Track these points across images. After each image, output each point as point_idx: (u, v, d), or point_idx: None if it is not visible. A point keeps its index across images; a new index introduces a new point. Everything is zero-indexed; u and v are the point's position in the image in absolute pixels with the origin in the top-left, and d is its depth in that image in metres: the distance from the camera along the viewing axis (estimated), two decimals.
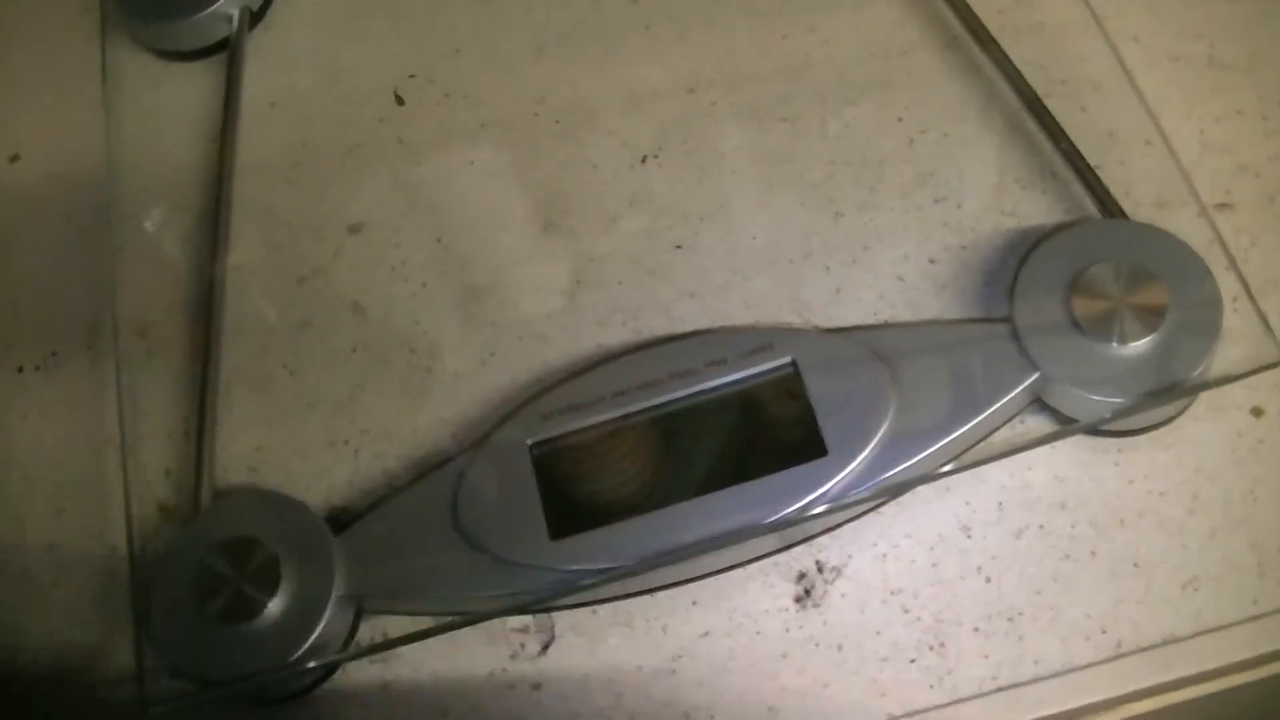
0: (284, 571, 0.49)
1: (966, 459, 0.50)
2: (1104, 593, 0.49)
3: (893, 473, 0.49)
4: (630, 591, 0.50)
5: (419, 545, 0.50)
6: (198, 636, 0.49)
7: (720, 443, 0.50)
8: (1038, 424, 0.52)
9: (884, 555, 0.50)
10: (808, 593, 0.50)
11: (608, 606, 0.50)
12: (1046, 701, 0.48)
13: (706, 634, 0.50)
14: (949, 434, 0.49)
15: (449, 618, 0.50)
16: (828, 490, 0.48)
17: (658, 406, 0.51)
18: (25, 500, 0.56)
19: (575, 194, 0.58)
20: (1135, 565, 0.49)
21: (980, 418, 0.49)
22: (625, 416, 0.51)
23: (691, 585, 0.50)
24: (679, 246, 0.56)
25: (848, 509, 0.49)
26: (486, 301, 0.56)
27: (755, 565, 0.50)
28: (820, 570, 0.50)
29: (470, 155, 0.60)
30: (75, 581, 0.54)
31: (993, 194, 0.56)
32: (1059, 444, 0.51)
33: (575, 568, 0.48)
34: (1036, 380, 0.49)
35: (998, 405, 0.49)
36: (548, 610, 0.50)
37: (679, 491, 0.49)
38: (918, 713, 0.48)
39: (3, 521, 0.56)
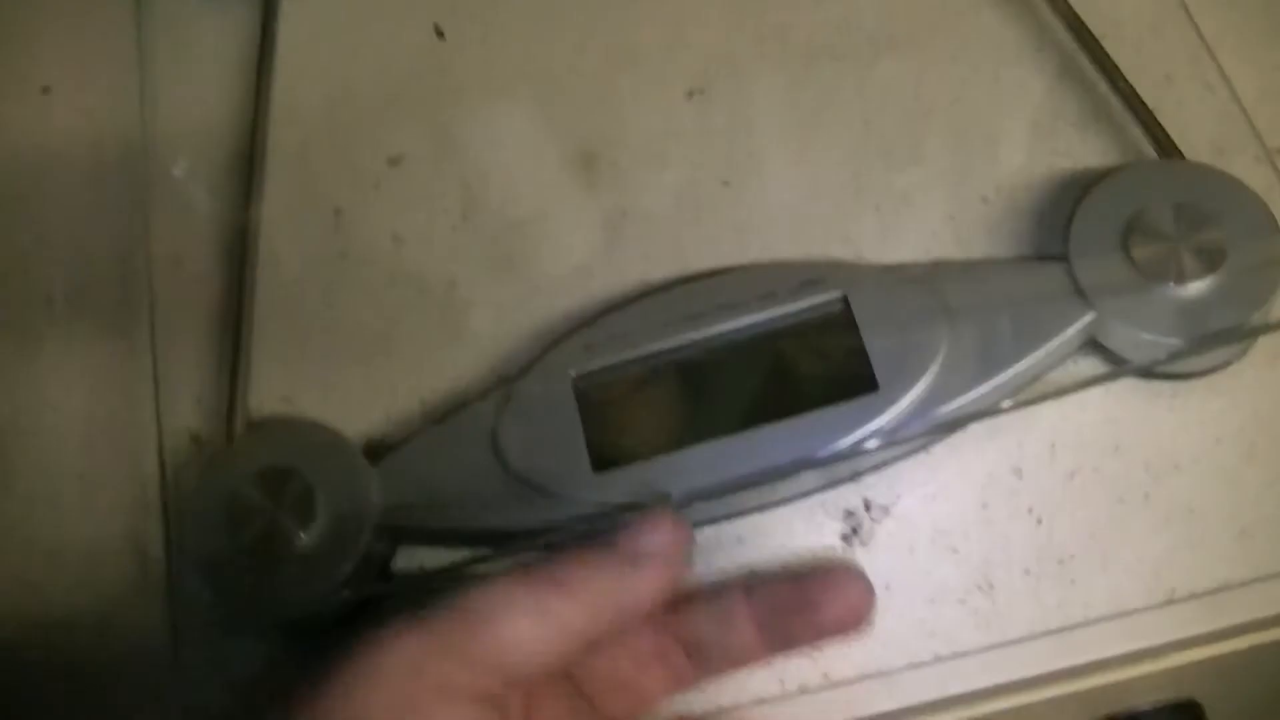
0: (320, 501, 0.48)
1: (1020, 398, 0.49)
2: (1157, 538, 0.48)
3: (944, 409, 0.48)
4: None
5: (458, 475, 0.49)
6: (231, 567, 0.48)
7: (768, 377, 0.49)
8: (1091, 366, 0.50)
9: (933, 495, 0.49)
10: (855, 531, 0.49)
11: None
12: (1096, 646, 0.47)
13: (753, 571, 0.49)
14: (1002, 372, 0.48)
15: (487, 549, 0.49)
16: (878, 426, 0.47)
17: (705, 339, 0.50)
18: (54, 430, 0.55)
19: (619, 129, 0.57)
20: (1190, 511, 0.48)
21: (1034, 356, 0.48)
22: (672, 349, 0.49)
23: (736, 521, 0.49)
24: (726, 183, 0.55)
25: (897, 446, 0.48)
26: (529, 235, 0.55)
27: (802, 503, 0.49)
28: (868, 509, 0.49)
29: (513, 88, 0.59)
30: (105, 511, 0.53)
31: (1046, 135, 0.55)
32: (1113, 387, 0.50)
33: (619, 500, 0.47)
34: (1092, 320, 0.48)
35: (1052, 344, 0.48)
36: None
37: (725, 425, 0.48)
38: (966, 654, 0.47)
39: (32, 452, 0.55)
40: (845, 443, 0.47)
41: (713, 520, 0.49)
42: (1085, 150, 0.54)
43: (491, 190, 0.56)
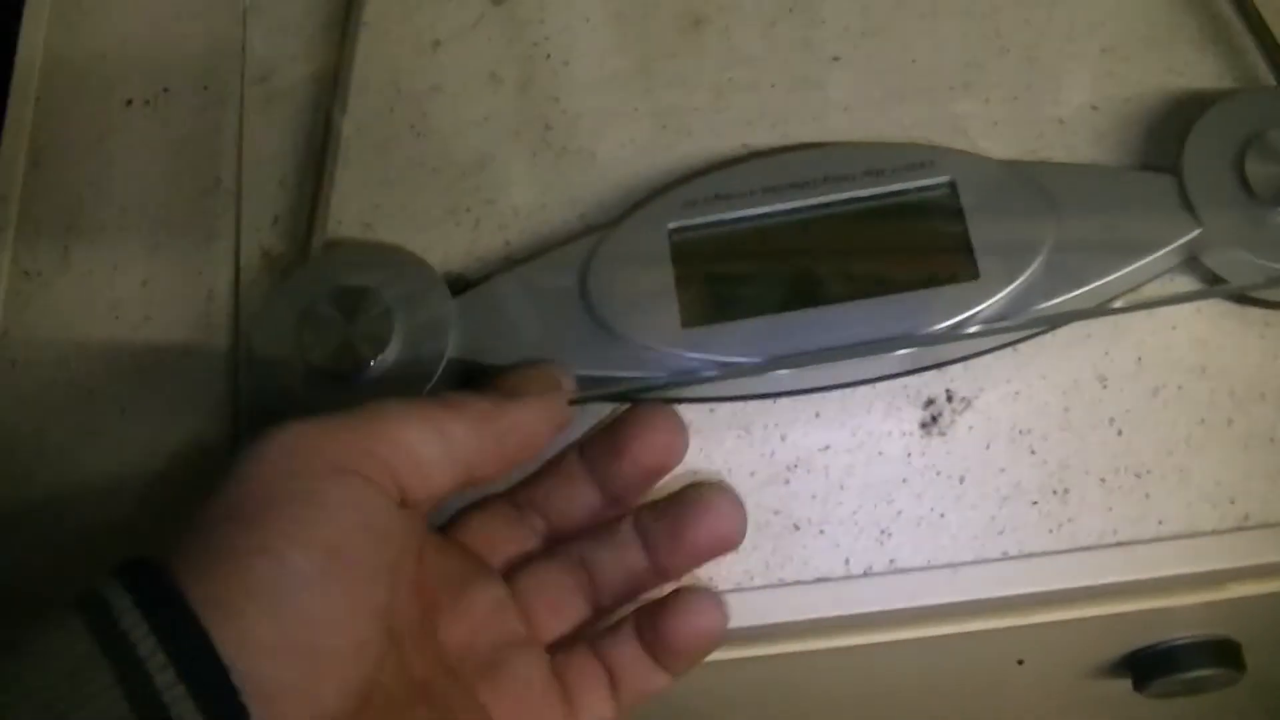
0: (396, 324, 0.47)
1: (1117, 304, 0.48)
2: (1236, 463, 0.48)
3: (1042, 306, 0.47)
4: (754, 393, 0.48)
5: (541, 316, 0.48)
6: (298, 384, 0.47)
7: (868, 253, 0.48)
8: (1187, 285, 0.50)
9: (1016, 393, 0.48)
10: (934, 420, 0.48)
11: (726, 407, 0.49)
12: (1165, 563, 0.47)
13: (826, 448, 0.48)
14: (1104, 276, 0.47)
15: None
16: (974, 314, 0.47)
17: (809, 208, 0.49)
18: (120, 233, 0.55)
19: None
20: (1271, 441, 0.48)
21: (1137, 264, 0.47)
22: (773, 214, 0.49)
23: (815, 396, 0.49)
24: (836, 59, 0.54)
25: (988, 337, 0.47)
26: (631, 88, 0.54)
27: (883, 385, 0.49)
28: (949, 399, 0.48)
29: None
30: (169, 318, 0.52)
31: (1163, 51, 0.54)
32: (1205, 310, 0.50)
33: (705, 357, 0.47)
34: (1198, 236, 0.48)
35: (1157, 254, 0.48)
36: (665, 401, 0.48)
37: (821, 296, 0.47)
38: (1034, 555, 0.47)
39: (97, 256, 0.54)
40: (940, 327, 0.46)
41: (792, 392, 0.48)
42: (1201, 71, 0.53)
43: (597, 40, 0.55)
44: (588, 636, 0.46)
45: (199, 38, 0.57)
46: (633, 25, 0.55)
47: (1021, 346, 0.49)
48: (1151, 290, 0.49)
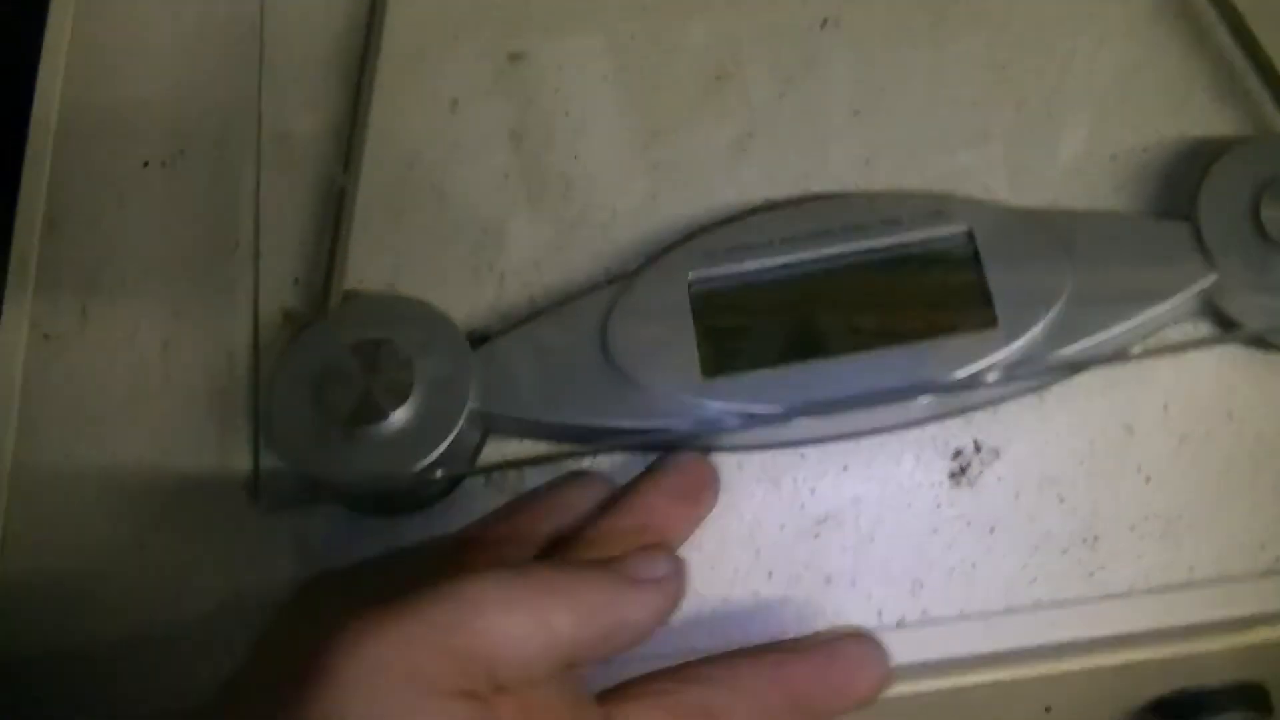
0: (416, 377, 0.47)
1: (1135, 350, 0.49)
2: (1265, 509, 0.48)
3: (1060, 354, 0.47)
4: (777, 441, 0.48)
5: (562, 367, 0.48)
6: (318, 438, 0.47)
7: (887, 302, 0.49)
8: (1206, 330, 0.50)
9: (1044, 443, 0.49)
10: (963, 470, 0.48)
11: (754, 461, 0.49)
12: (1196, 609, 0.47)
13: (856, 500, 0.48)
14: (1122, 323, 0.48)
15: (578, 446, 0.49)
16: (994, 362, 0.47)
17: (827, 258, 0.49)
18: (140, 297, 0.54)
19: (752, 48, 0.56)
20: None
21: (1154, 310, 0.48)
22: (792, 264, 0.49)
23: (844, 449, 0.49)
24: (856, 113, 0.54)
25: (1009, 384, 0.48)
26: (651, 144, 0.54)
27: (911, 436, 0.49)
28: (978, 450, 0.48)
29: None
30: (189, 381, 0.52)
31: (1180, 101, 0.54)
32: (1230, 357, 0.50)
33: (725, 406, 0.47)
34: (1215, 282, 0.48)
35: (1173, 300, 0.48)
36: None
37: (840, 345, 0.48)
38: (1066, 603, 0.47)
39: (116, 317, 0.54)
40: (959, 375, 0.47)
41: (815, 440, 0.48)
42: (1218, 121, 0.54)
43: (616, 97, 0.56)
44: None
45: (216, 98, 0.57)
46: (653, 81, 0.56)
47: (1047, 396, 0.49)
48: (1170, 336, 0.49)
